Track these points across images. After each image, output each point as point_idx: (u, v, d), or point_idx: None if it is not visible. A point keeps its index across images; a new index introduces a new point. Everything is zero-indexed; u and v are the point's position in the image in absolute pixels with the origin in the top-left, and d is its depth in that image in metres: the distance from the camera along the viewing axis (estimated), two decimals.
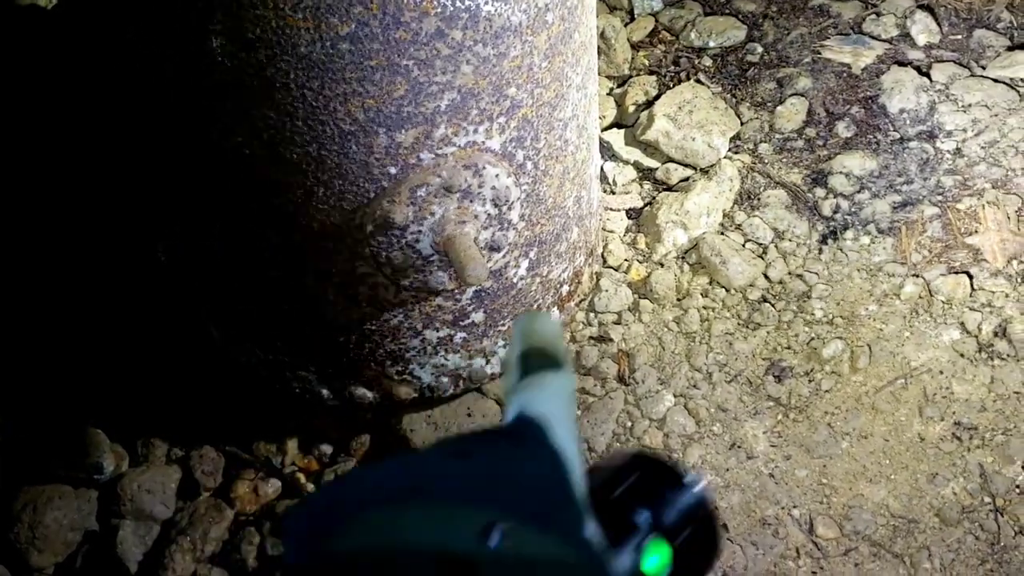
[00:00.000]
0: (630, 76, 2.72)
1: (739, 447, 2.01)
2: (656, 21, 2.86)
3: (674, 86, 2.63)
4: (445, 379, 1.98)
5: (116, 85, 1.68)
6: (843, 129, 2.50)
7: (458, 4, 1.36)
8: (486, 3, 1.39)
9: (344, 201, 1.54)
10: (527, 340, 1.10)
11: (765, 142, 2.50)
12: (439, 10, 1.35)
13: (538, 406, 0.98)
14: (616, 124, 2.61)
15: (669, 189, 2.43)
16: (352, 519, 0.74)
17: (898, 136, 2.46)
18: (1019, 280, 2.20)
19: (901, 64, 2.59)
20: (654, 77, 2.70)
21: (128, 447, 2.07)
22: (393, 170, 1.51)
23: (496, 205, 1.66)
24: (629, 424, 2.05)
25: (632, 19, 2.89)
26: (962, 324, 2.15)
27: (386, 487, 0.77)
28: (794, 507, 1.91)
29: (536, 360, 1.07)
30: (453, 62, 1.42)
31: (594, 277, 2.22)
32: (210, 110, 1.43)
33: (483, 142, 1.56)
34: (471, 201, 1.62)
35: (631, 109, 2.60)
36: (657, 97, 2.60)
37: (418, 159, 1.51)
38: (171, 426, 2.10)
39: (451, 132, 1.50)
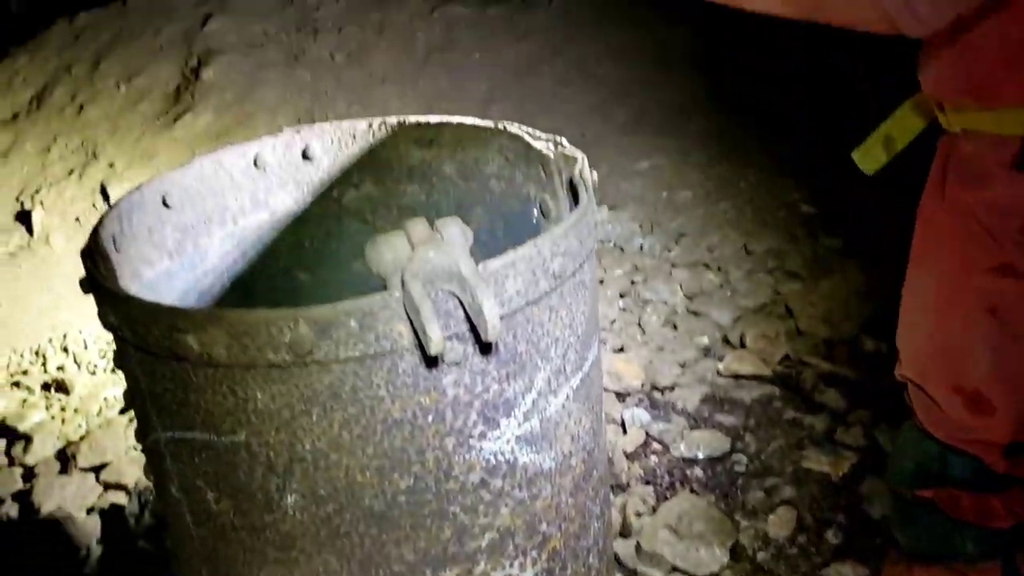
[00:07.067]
0: (627, 485, 2.93)
1: None
2: (647, 434, 3.13)
3: (670, 496, 2.83)
4: None
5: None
6: (832, 536, 2.66)
7: (500, 458, 1.58)
8: (523, 455, 1.62)
9: None
10: None
11: (762, 550, 2.65)
12: (483, 464, 1.57)
13: None
14: (620, 534, 2.77)
15: None
16: None
17: (882, 540, 2.62)
18: None
19: (875, 473, 2.83)
20: (650, 487, 2.91)
21: None
22: None
23: None
24: None
25: (625, 432, 3.17)
26: None
27: None
28: None
29: None
30: (494, 506, 1.61)
31: None
32: (277, 558, 1.58)
33: (517, 574, 1.70)
34: None
35: (633, 520, 2.77)
36: (655, 508, 2.79)
37: None
38: None
39: (490, 567, 1.65)
